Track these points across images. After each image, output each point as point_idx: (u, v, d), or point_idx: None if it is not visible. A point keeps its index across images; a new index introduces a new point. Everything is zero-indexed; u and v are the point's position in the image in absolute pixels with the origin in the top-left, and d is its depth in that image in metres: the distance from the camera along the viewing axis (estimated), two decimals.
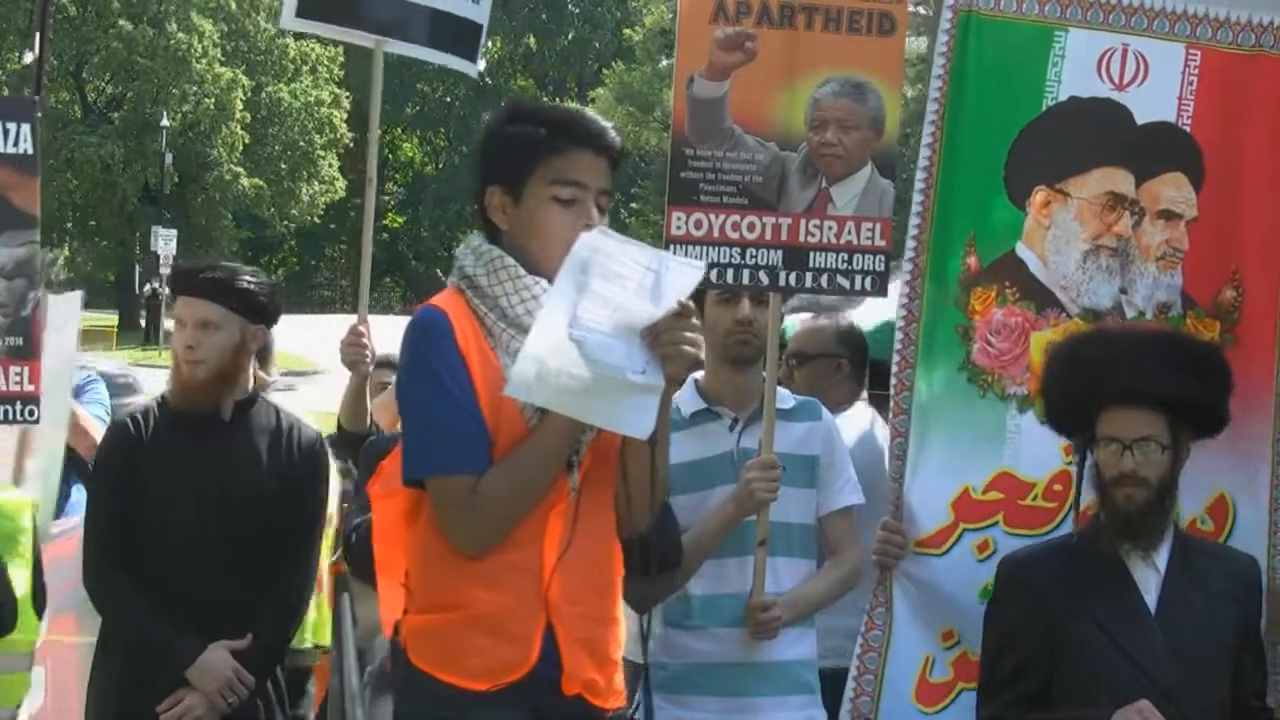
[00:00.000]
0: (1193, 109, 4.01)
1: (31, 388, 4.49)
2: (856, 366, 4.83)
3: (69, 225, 44.55)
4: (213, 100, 42.81)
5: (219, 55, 43.69)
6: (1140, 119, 4.01)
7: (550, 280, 2.89)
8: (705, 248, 3.90)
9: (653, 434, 2.85)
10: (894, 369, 3.98)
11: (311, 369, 26.62)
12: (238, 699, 4.10)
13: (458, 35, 5.13)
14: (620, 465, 2.99)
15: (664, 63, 43.12)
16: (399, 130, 57.00)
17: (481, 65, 5.45)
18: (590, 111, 3.13)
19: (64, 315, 5.12)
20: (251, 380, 4.31)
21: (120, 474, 4.20)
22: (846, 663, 4.20)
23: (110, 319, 39.92)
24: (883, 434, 4.70)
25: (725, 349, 3.99)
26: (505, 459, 2.88)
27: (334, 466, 4.56)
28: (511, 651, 2.88)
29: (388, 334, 5.19)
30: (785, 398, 4.07)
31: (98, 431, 5.07)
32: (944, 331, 3.97)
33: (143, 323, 40.39)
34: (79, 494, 5.18)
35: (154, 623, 4.10)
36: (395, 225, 56.52)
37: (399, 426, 5.27)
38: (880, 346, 4.75)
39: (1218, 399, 3.62)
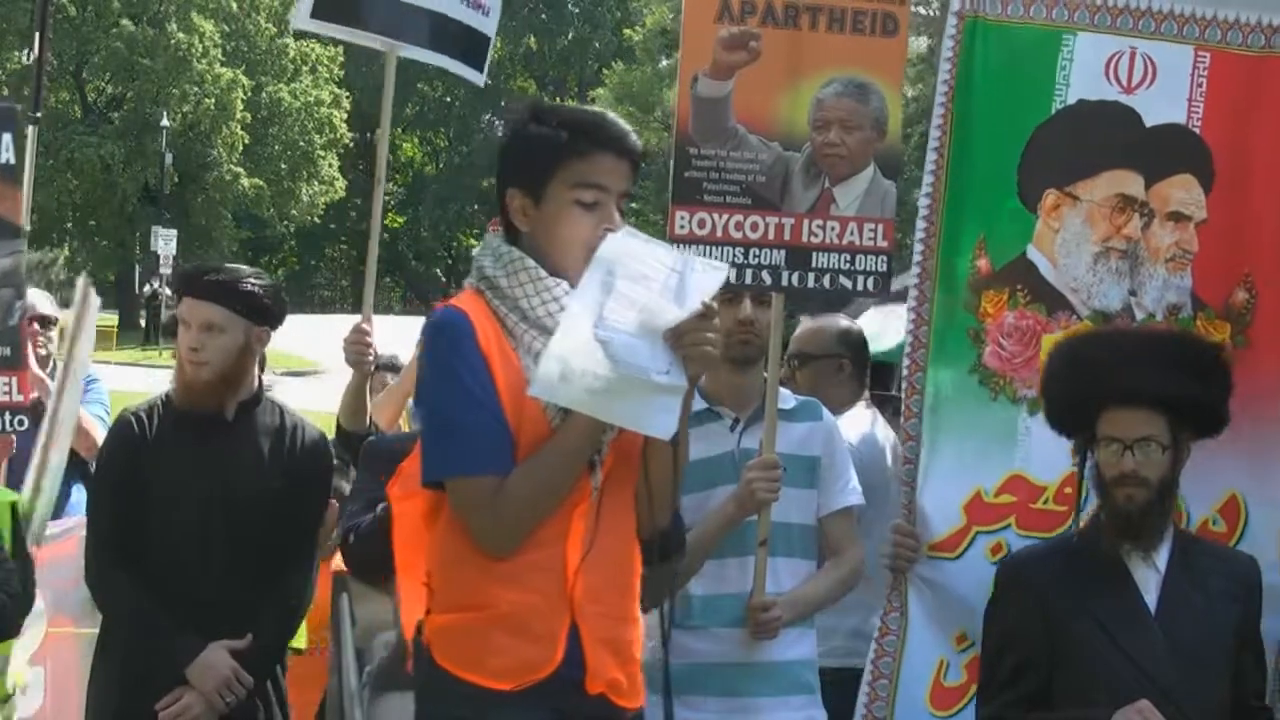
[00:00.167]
0: (1202, 111, 4.01)
1: (20, 398, 4.46)
2: (858, 367, 4.85)
3: (69, 225, 44.59)
4: (213, 100, 42.82)
5: (219, 55, 43.69)
6: (1149, 121, 4.00)
7: (571, 282, 2.89)
8: (708, 247, 3.90)
9: (675, 434, 2.85)
10: (904, 372, 3.98)
11: (311, 369, 26.64)
12: (236, 699, 4.09)
13: (467, 44, 5.15)
14: (642, 465, 2.98)
15: (664, 63, 43.11)
16: (399, 130, 56.96)
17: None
18: (612, 114, 3.11)
19: (91, 317, 5.06)
20: (256, 380, 4.30)
21: (123, 473, 4.19)
22: (847, 662, 4.20)
23: (110, 319, 39.88)
24: (884, 435, 4.70)
25: (726, 349, 3.95)
26: (528, 459, 2.87)
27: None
28: (536, 651, 2.87)
29: (387, 334, 5.18)
30: (786, 398, 4.07)
31: (98, 431, 5.06)
32: (954, 335, 3.97)
33: (143, 323, 40.39)
34: (79, 494, 5.16)
35: (154, 621, 4.10)
36: (395, 225, 56.48)
37: (398, 426, 5.23)
38: None
39: (1218, 399, 3.62)
